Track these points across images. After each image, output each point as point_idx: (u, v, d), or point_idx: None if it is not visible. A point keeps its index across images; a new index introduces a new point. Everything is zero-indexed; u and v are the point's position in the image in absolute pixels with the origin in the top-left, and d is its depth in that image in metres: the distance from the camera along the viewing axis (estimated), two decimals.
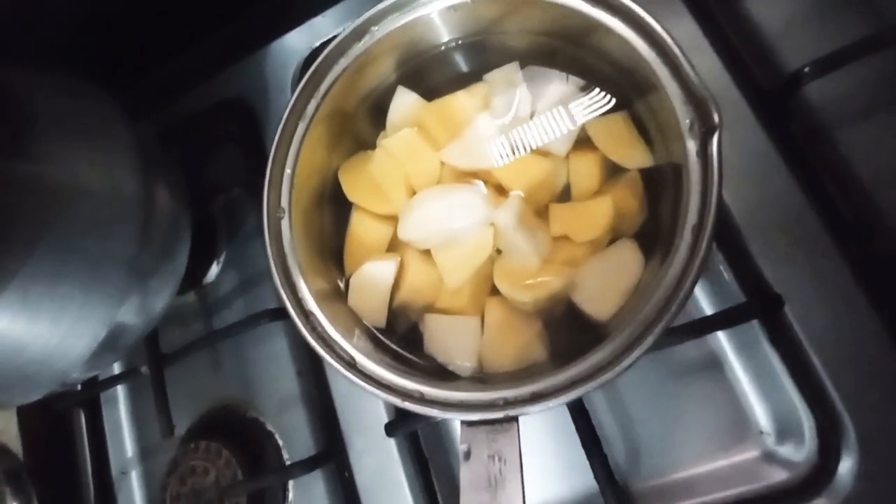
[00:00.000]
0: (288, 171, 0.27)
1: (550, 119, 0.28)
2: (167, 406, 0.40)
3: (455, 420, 0.33)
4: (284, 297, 0.25)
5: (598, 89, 0.28)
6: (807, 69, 0.30)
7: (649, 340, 0.19)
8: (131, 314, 0.34)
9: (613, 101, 0.28)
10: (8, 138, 0.26)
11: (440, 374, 0.26)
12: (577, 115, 0.28)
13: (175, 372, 0.41)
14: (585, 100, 0.28)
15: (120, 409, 0.46)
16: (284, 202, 0.27)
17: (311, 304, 0.25)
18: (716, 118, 0.20)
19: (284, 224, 0.27)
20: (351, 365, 0.23)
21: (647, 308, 0.20)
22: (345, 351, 0.24)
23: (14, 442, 0.45)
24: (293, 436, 0.39)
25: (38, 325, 0.28)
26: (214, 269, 0.46)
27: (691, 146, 0.21)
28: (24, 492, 0.44)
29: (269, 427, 0.41)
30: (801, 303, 0.28)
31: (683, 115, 0.22)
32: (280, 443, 0.41)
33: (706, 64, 0.32)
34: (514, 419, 0.21)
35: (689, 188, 0.21)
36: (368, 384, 0.23)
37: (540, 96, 0.29)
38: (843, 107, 0.32)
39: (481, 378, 0.26)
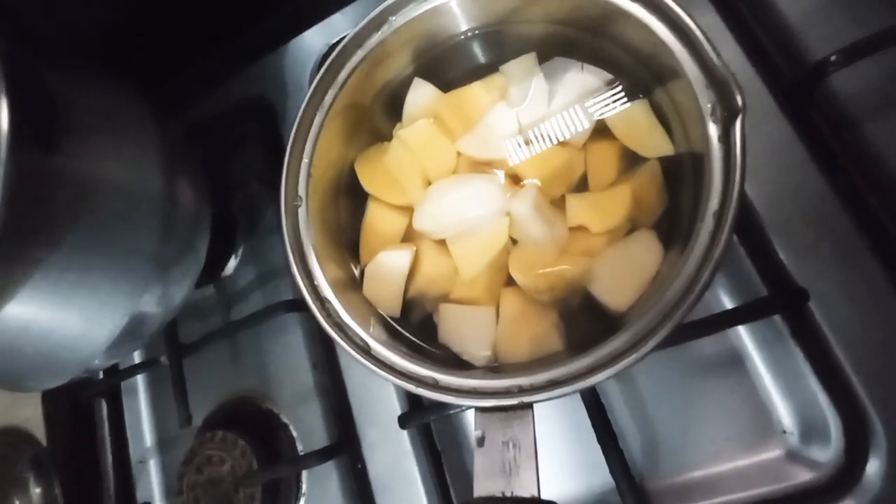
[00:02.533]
0: (305, 160, 0.28)
1: (568, 109, 0.28)
2: (185, 396, 0.40)
3: (469, 411, 0.33)
4: (301, 283, 0.25)
5: (616, 79, 0.28)
6: (833, 58, 0.29)
7: (667, 329, 0.19)
8: (152, 304, 0.35)
9: (633, 91, 0.27)
10: (42, 133, 0.27)
11: (454, 363, 0.26)
12: (596, 106, 0.28)
13: (193, 363, 0.41)
14: (604, 89, 0.28)
15: (140, 399, 0.47)
16: (302, 191, 0.27)
17: (327, 292, 0.26)
18: (739, 101, 0.20)
19: (301, 212, 0.27)
20: (366, 352, 0.24)
21: (665, 297, 0.20)
22: (360, 338, 0.24)
23: (38, 429, 0.46)
24: (307, 427, 0.40)
25: (66, 311, 0.29)
26: (233, 263, 0.47)
27: (713, 131, 0.21)
28: (46, 477, 0.45)
29: (284, 419, 0.41)
30: (827, 297, 0.28)
31: (705, 100, 0.21)
32: (294, 434, 0.41)
33: (728, 54, 0.32)
34: (529, 406, 0.21)
35: (711, 174, 0.20)
36: (383, 370, 0.23)
37: (557, 86, 0.29)
38: (868, 98, 0.31)
39: (496, 368, 0.25)
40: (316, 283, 0.26)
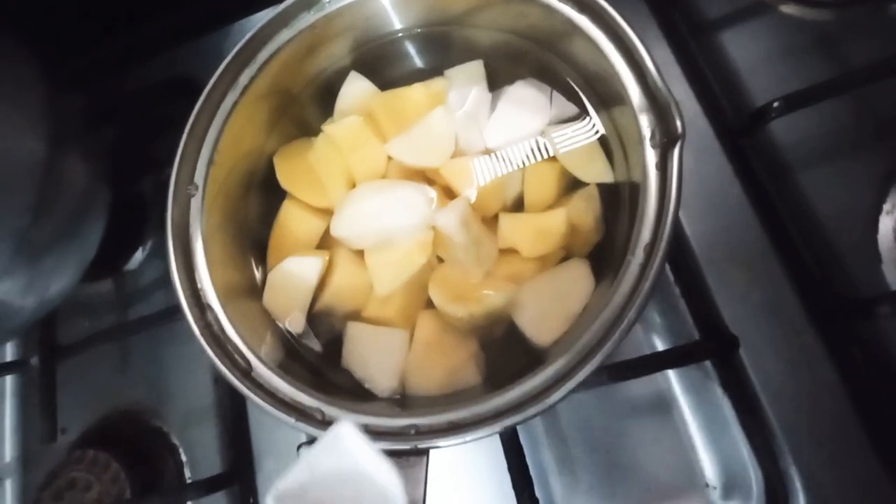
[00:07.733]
0: (209, 144, 0.24)
1: (510, 123, 0.26)
2: (54, 404, 0.36)
3: None
4: (177, 283, 0.21)
5: (565, 99, 0.26)
6: (776, 104, 0.30)
7: (585, 371, 0.17)
8: (16, 293, 0.30)
9: (589, 120, 0.26)
10: None
11: (356, 392, 0.23)
12: (540, 124, 0.26)
13: (75, 367, 0.37)
14: (552, 108, 0.26)
15: (5, 405, 0.40)
16: (199, 178, 0.24)
17: (211, 297, 0.22)
18: (679, 126, 0.18)
19: (195, 202, 0.23)
20: (244, 373, 0.20)
21: (588, 333, 0.18)
22: (242, 356, 0.20)
23: None
24: (200, 451, 0.35)
25: None
26: (139, 256, 0.41)
27: (650, 158, 0.19)
28: None
29: (174, 439, 0.36)
30: (757, 346, 0.27)
31: (645, 124, 0.20)
32: (184, 458, 0.36)
33: (677, 92, 0.31)
34: (425, 452, 0.17)
35: (646, 203, 0.19)
36: (259, 397, 0.19)
37: (501, 98, 0.27)
38: (805, 147, 0.31)
39: (400, 401, 0.22)
40: (199, 285, 0.22)
